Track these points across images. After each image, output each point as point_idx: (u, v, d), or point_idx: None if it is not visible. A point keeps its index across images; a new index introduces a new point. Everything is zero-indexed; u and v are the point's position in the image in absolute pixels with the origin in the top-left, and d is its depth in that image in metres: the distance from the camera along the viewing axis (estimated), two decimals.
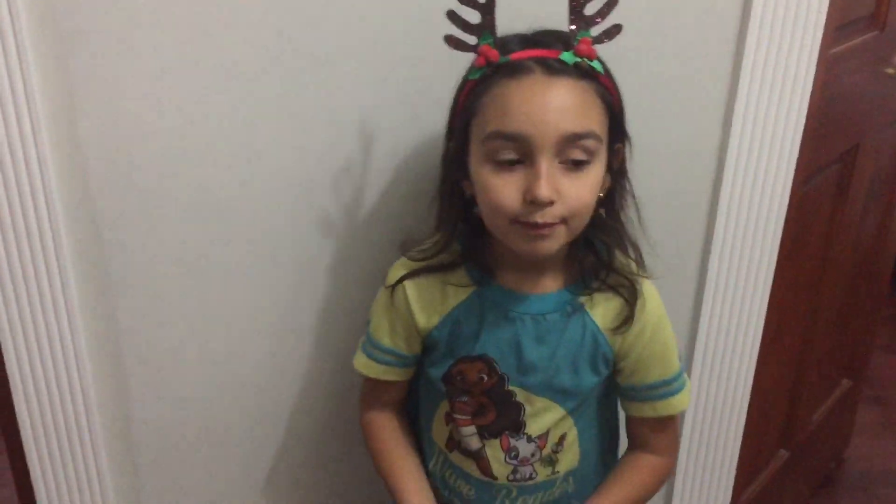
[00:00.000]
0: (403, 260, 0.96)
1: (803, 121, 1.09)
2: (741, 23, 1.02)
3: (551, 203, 0.80)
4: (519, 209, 0.81)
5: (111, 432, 1.04)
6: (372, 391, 1.03)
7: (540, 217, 0.80)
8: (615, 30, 0.82)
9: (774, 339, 1.45)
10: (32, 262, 0.91)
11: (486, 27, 0.81)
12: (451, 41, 0.82)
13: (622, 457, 1.03)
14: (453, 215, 0.91)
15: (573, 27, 0.81)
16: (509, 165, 0.81)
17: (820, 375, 1.72)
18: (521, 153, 0.80)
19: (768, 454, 1.64)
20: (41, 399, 0.98)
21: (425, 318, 0.94)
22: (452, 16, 0.81)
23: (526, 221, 0.81)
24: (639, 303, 0.91)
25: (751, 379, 1.26)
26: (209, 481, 1.13)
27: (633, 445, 1.02)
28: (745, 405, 1.28)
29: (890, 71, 1.51)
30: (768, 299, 1.24)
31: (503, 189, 0.81)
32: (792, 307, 1.47)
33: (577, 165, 0.81)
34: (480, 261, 0.93)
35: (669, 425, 1.00)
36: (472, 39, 0.82)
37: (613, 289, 0.91)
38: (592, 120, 0.81)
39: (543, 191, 0.79)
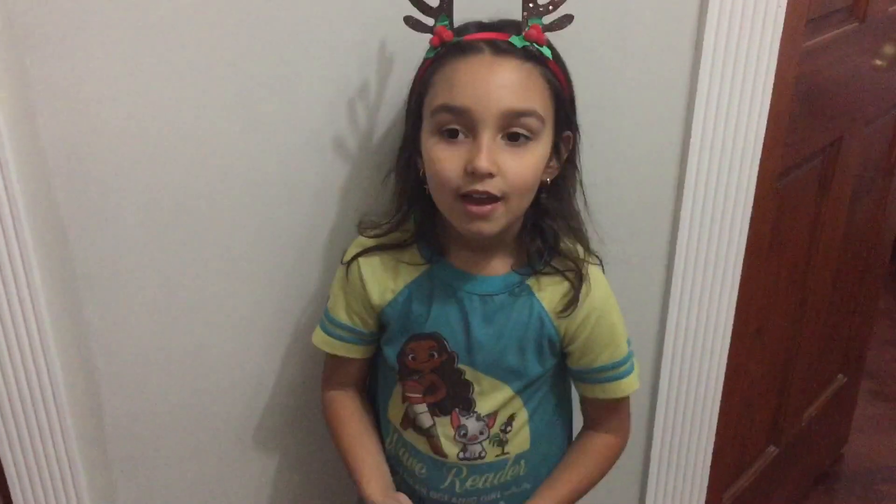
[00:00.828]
0: (360, 238, 0.99)
1: (766, 113, 1.09)
2: (699, 17, 1.02)
3: (491, 176, 0.83)
4: (460, 181, 0.84)
5: (83, 428, 1.06)
6: (332, 369, 1.06)
7: (480, 186, 0.83)
8: (566, 20, 0.85)
9: (758, 334, 1.44)
10: None
11: (443, 10, 0.86)
12: (410, 21, 0.87)
13: (576, 437, 1.07)
14: (407, 192, 0.95)
15: (525, 14, 0.85)
16: (453, 139, 0.84)
17: (811, 371, 1.70)
18: (465, 127, 0.84)
19: (755, 450, 1.63)
20: (11, 397, 1.00)
21: (378, 295, 0.97)
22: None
23: (466, 192, 0.84)
24: (584, 287, 0.94)
25: (722, 374, 1.25)
26: (183, 475, 1.15)
27: (587, 425, 1.06)
28: (717, 401, 1.27)
29: (879, 62, 1.49)
30: (742, 295, 1.23)
31: (446, 161, 0.85)
32: (776, 302, 1.46)
33: (518, 142, 0.84)
34: (432, 239, 0.96)
35: (620, 406, 1.03)
36: (430, 21, 0.87)
37: (559, 272, 0.94)
38: (535, 100, 0.84)
39: (483, 162, 0.82)
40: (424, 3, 0.87)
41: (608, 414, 1.03)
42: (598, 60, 1.02)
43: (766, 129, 1.11)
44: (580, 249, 0.96)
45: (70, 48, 0.88)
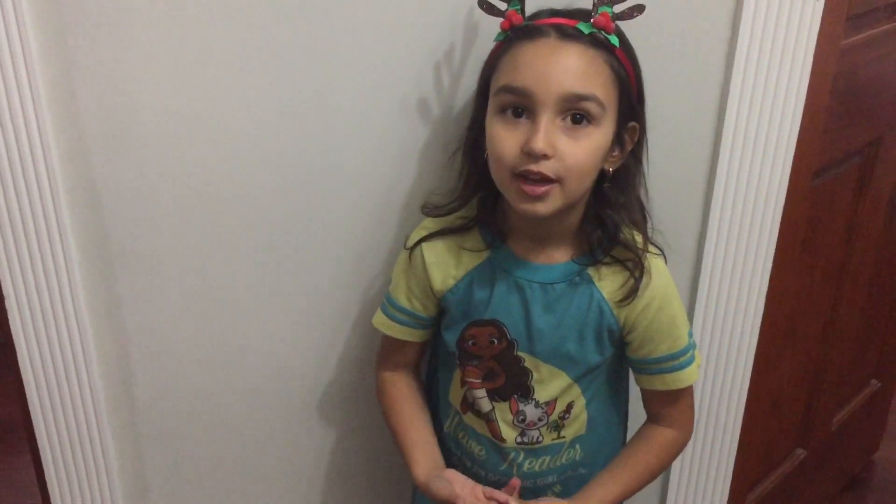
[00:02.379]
0: (425, 221, 1.01)
1: (801, 110, 1.07)
2: (735, 12, 1.01)
3: (546, 157, 0.83)
4: (517, 160, 0.85)
5: (114, 400, 1.09)
6: (388, 350, 1.08)
7: (535, 167, 0.84)
8: (636, 9, 0.86)
9: (788, 336, 1.43)
10: (36, 237, 0.97)
11: None
12: (484, 5, 0.90)
13: (638, 430, 1.06)
14: (473, 173, 0.96)
15: (595, 1, 0.85)
16: (516, 119, 0.85)
17: (843, 374, 1.68)
18: (526, 108, 0.85)
19: (783, 452, 1.61)
20: (46, 368, 1.04)
21: (440, 280, 0.98)
22: None
23: (521, 172, 0.85)
24: (644, 278, 0.94)
25: (749, 373, 1.24)
26: (210, 457, 1.17)
27: (648, 418, 1.05)
28: (743, 399, 1.26)
29: None
30: (772, 293, 1.21)
31: (505, 140, 0.86)
32: (809, 302, 1.45)
33: (577, 126, 0.85)
34: (494, 224, 0.97)
35: (681, 398, 1.02)
36: (503, 6, 0.89)
37: (620, 262, 0.95)
38: (597, 85, 0.84)
39: (539, 142, 0.83)
40: None
41: (668, 406, 1.02)
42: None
43: (801, 125, 1.09)
44: (640, 240, 0.96)
45: (112, 29, 0.90)
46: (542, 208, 0.87)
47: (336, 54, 0.97)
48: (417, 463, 1.00)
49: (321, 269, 1.09)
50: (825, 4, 1.05)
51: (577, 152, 0.85)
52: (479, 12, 0.91)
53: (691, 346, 0.99)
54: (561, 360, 0.97)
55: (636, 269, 0.94)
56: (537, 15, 0.89)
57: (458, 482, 0.95)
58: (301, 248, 1.07)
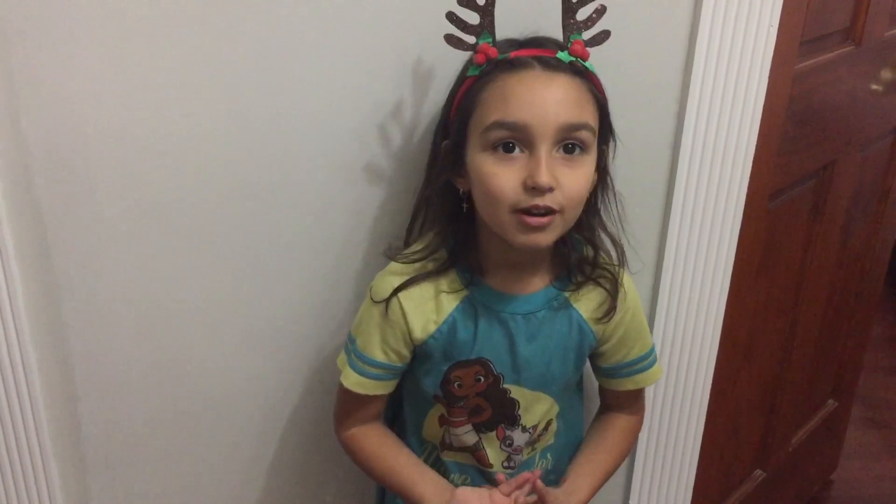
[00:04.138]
0: (393, 266, 0.96)
1: (756, 133, 1.08)
2: (690, 36, 1.02)
3: (551, 190, 0.83)
4: (519, 196, 0.83)
5: (59, 428, 1.05)
6: (354, 406, 1.01)
7: (540, 201, 0.83)
8: (604, 35, 0.87)
9: (746, 357, 1.43)
10: None
11: (485, 27, 0.87)
12: (452, 40, 0.87)
13: (597, 421, 1.09)
14: (447, 213, 0.94)
15: (566, 31, 0.86)
16: (509, 154, 0.84)
17: (801, 395, 1.69)
18: (521, 142, 0.83)
19: (742, 474, 1.61)
20: None
21: (421, 328, 0.95)
22: (452, 17, 0.86)
23: (525, 207, 0.83)
24: (620, 293, 0.97)
25: (707, 394, 1.24)
26: (161, 485, 1.13)
27: (607, 409, 1.09)
28: (702, 421, 1.26)
29: (875, 87, 1.49)
30: (729, 315, 1.22)
31: (503, 177, 0.84)
32: (766, 324, 1.45)
33: (573, 156, 0.84)
34: (471, 262, 0.95)
35: (642, 391, 1.08)
36: (470, 39, 0.87)
37: (596, 282, 0.96)
38: (587, 113, 0.85)
39: (544, 177, 0.81)
40: (465, 21, 0.86)
41: (632, 399, 1.07)
42: None
43: (756, 149, 1.10)
44: (614, 256, 0.97)
45: (56, 46, 0.87)
46: (545, 239, 0.86)
47: (291, 69, 0.95)
48: (425, 497, 0.97)
49: (274, 288, 1.06)
50: (780, 28, 1.06)
51: (575, 182, 0.84)
52: (435, 50, 0.88)
53: (654, 345, 1.05)
54: (546, 384, 0.98)
55: (613, 287, 0.96)
56: (505, 46, 0.87)
57: (474, 499, 0.95)
58: (253, 267, 1.04)
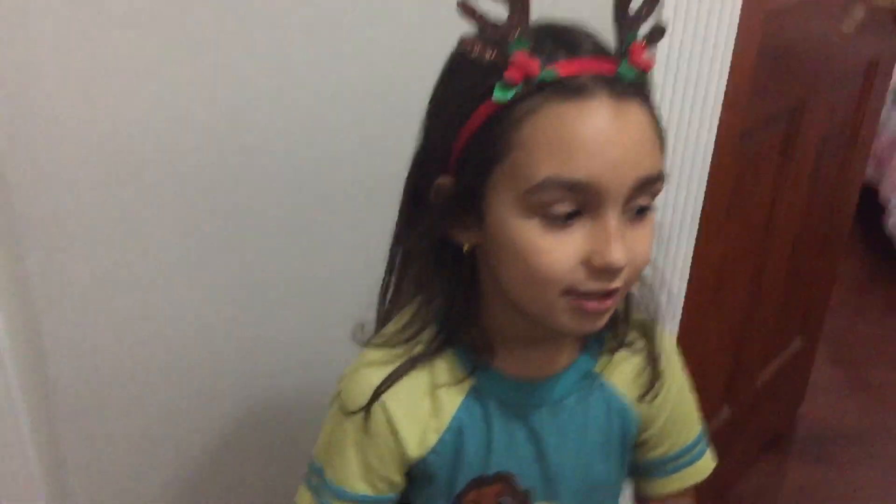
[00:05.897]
0: (368, 355, 0.72)
1: (727, 71, 1.08)
2: None
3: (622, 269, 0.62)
4: (577, 276, 0.61)
5: (28, 383, 1.04)
6: None
7: (610, 284, 0.62)
8: (658, 32, 0.64)
9: (715, 295, 1.45)
10: None
11: (517, 25, 0.57)
12: (472, 44, 0.58)
13: None
14: (439, 275, 0.69)
15: (621, 29, 0.62)
16: (564, 222, 0.61)
17: (768, 334, 1.72)
18: (581, 205, 0.60)
19: (710, 410, 1.64)
20: None
21: (417, 441, 0.71)
22: (466, 8, 0.57)
23: (587, 292, 0.62)
24: (662, 358, 0.75)
25: (675, 334, 1.26)
26: (125, 425, 1.14)
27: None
28: None
29: (846, 28, 1.49)
30: (698, 255, 1.23)
31: (557, 252, 0.61)
32: (734, 264, 1.47)
33: (642, 215, 0.63)
34: (474, 339, 0.71)
35: (691, 488, 0.83)
36: (490, 50, 0.59)
37: (630, 346, 0.76)
38: (660, 156, 0.63)
39: (619, 254, 0.60)
40: (486, 19, 0.58)
41: (681, 496, 0.83)
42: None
43: (727, 87, 1.10)
44: (652, 310, 0.75)
45: (18, 34, 0.84)
46: (602, 323, 0.66)
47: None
48: None
49: (247, 249, 1.06)
50: None
51: (644, 249, 0.64)
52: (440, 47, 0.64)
53: (702, 425, 0.82)
54: (588, 493, 0.77)
55: (651, 350, 0.75)
56: (542, 47, 0.60)
57: None
58: (227, 229, 1.03)
